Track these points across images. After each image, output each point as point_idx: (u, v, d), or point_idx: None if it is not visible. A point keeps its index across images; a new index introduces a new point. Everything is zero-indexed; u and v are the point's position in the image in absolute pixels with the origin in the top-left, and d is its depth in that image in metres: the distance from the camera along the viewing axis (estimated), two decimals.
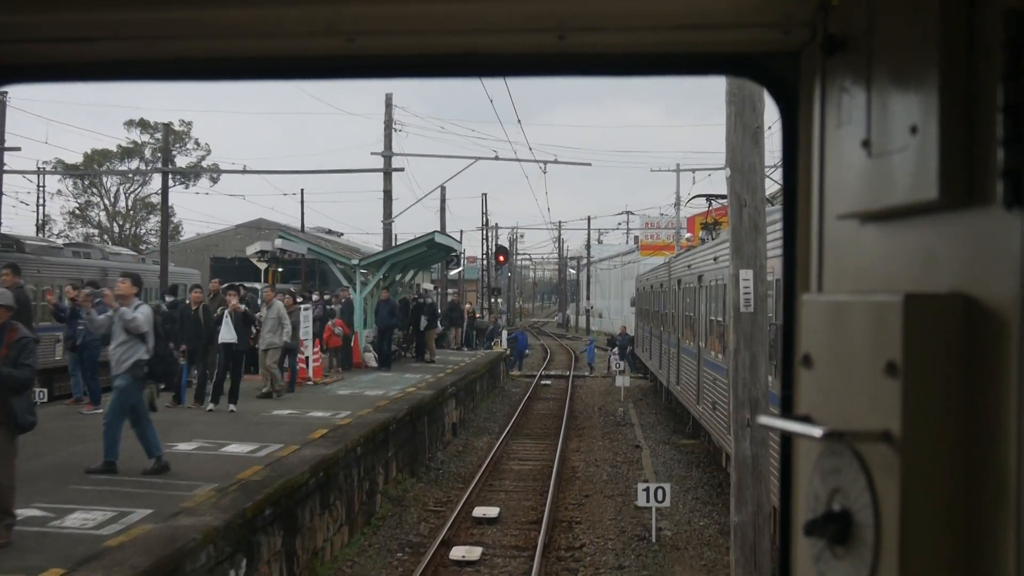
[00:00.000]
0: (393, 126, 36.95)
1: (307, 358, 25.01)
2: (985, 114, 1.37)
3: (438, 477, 21.13)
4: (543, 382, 42.36)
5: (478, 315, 57.37)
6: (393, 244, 36.79)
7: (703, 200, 29.48)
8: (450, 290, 58.38)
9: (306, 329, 25.12)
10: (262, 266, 33.95)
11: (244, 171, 37.27)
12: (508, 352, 46.21)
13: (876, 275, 1.69)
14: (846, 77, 1.74)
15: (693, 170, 44.27)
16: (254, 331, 19.56)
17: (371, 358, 29.64)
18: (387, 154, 36.78)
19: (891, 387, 1.46)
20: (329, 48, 2.11)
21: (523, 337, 49.72)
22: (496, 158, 37.43)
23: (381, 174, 37.55)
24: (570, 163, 57.73)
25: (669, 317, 29.66)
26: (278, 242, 25.06)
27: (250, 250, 25.67)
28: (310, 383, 24.61)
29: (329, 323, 27.55)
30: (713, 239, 24.49)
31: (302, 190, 61.71)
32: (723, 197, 27.34)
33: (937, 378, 1.43)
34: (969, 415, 1.41)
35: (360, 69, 2.25)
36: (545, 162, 37.57)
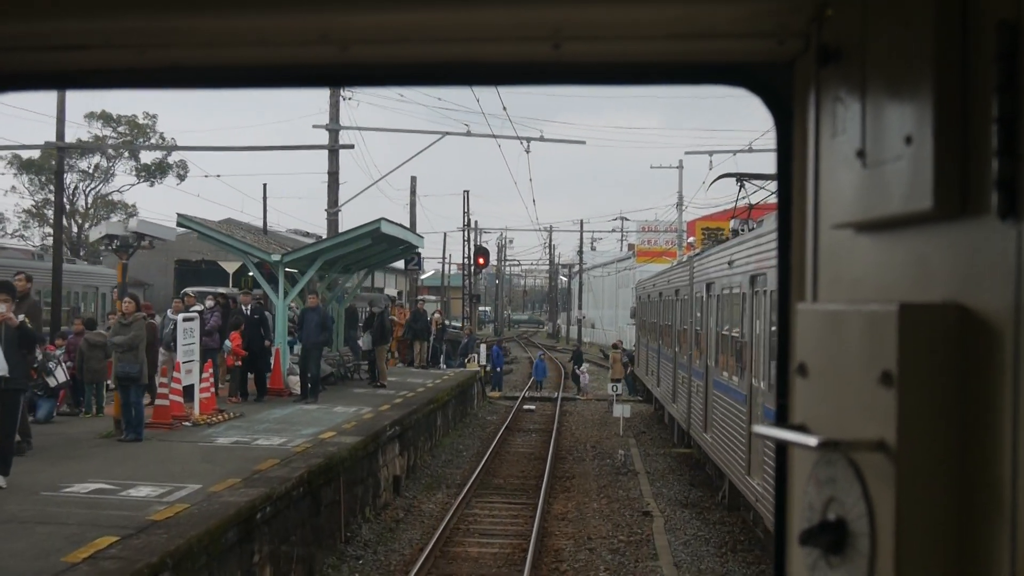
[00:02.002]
0: (341, 94, 29.88)
1: (189, 387, 17.98)
2: (980, 125, 1.38)
3: (352, 571, 14.16)
4: (526, 406, 35.62)
5: (460, 326, 50.32)
6: None
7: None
8: (423, 296, 51.26)
9: (188, 347, 18.07)
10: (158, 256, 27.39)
11: (160, 146, 30.36)
12: (488, 369, 39.11)
13: (871, 285, 1.71)
14: (840, 87, 1.75)
15: (710, 152, 37.24)
16: (40, 357, 12.33)
17: (295, 383, 22.58)
18: (333, 127, 29.64)
19: (886, 396, 1.48)
20: (323, 57, 2.10)
21: (497, 351, 42.29)
22: (468, 133, 30.40)
23: (327, 155, 30.45)
24: (559, 140, 51.28)
25: (689, 335, 22.12)
26: (133, 223, 17.97)
27: (95, 234, 18.86)
28: (188, 424, 17.51)
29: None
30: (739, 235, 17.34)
31: (264, 185, 56.91)
32: (764, 177, 20.05)
33: (932, 387, 1.44)
34: (964, 424, 1.43)
35: (354, 78, 2.48)
36: (529, 139, 30.56)
